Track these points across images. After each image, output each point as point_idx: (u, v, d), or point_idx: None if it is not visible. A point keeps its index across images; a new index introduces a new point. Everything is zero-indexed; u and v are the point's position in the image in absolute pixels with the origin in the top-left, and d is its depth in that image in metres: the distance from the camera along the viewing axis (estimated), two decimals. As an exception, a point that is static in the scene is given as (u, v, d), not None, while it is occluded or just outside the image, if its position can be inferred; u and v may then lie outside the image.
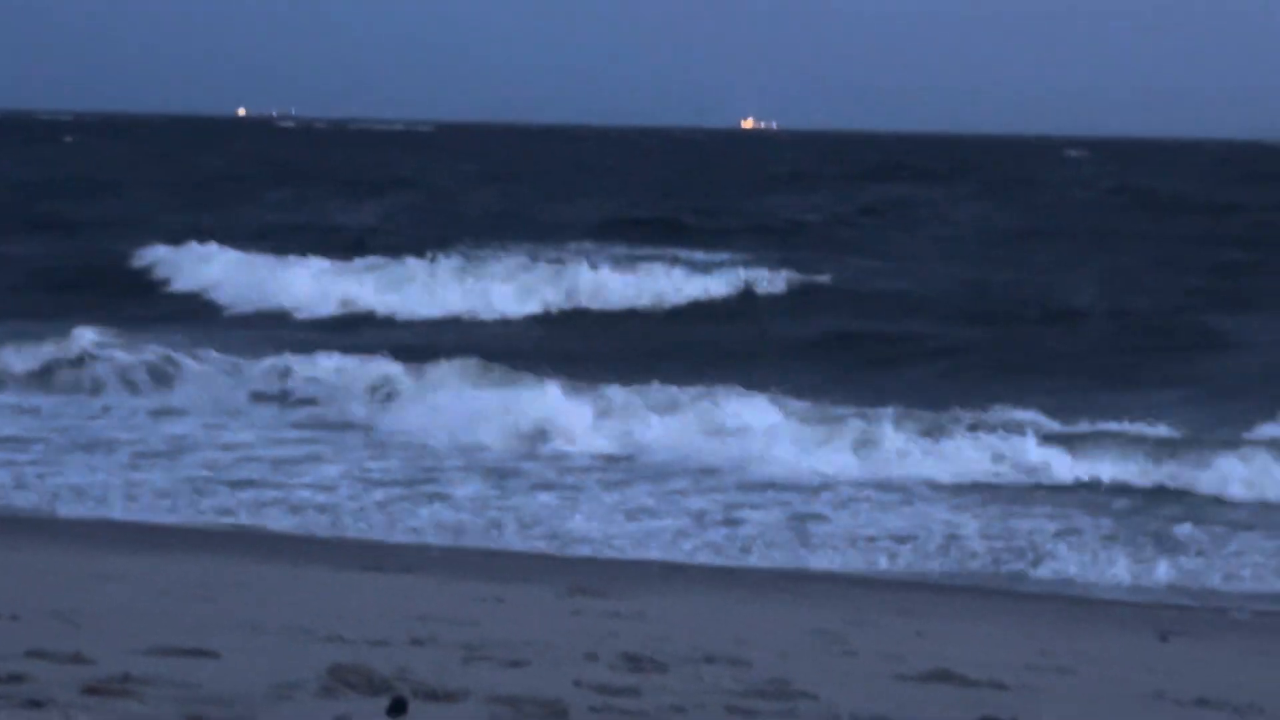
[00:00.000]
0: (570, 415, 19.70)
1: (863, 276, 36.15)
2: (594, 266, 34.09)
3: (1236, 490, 17.33)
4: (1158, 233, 46.15)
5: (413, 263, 34.39)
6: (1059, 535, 15.46)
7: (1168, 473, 17.90)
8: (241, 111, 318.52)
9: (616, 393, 20.66)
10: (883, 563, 14.47)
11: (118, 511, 15.59)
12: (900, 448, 18.55)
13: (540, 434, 19.42)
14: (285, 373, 22.94)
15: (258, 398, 22.25)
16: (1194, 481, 17.64)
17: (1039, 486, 17.68)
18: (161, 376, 22.86)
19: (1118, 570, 14.22)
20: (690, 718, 6.92)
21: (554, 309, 32.65)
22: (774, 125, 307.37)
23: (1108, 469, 17.99)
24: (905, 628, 10.79)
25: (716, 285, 33.81)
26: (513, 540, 15.03)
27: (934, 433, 19.00)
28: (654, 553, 14.61)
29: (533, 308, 32.63)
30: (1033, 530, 15.66)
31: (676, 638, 9.32)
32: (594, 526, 15.46)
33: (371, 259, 35.05)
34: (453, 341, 26.84)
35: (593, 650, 8.57)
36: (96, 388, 22.59)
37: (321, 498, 16.36)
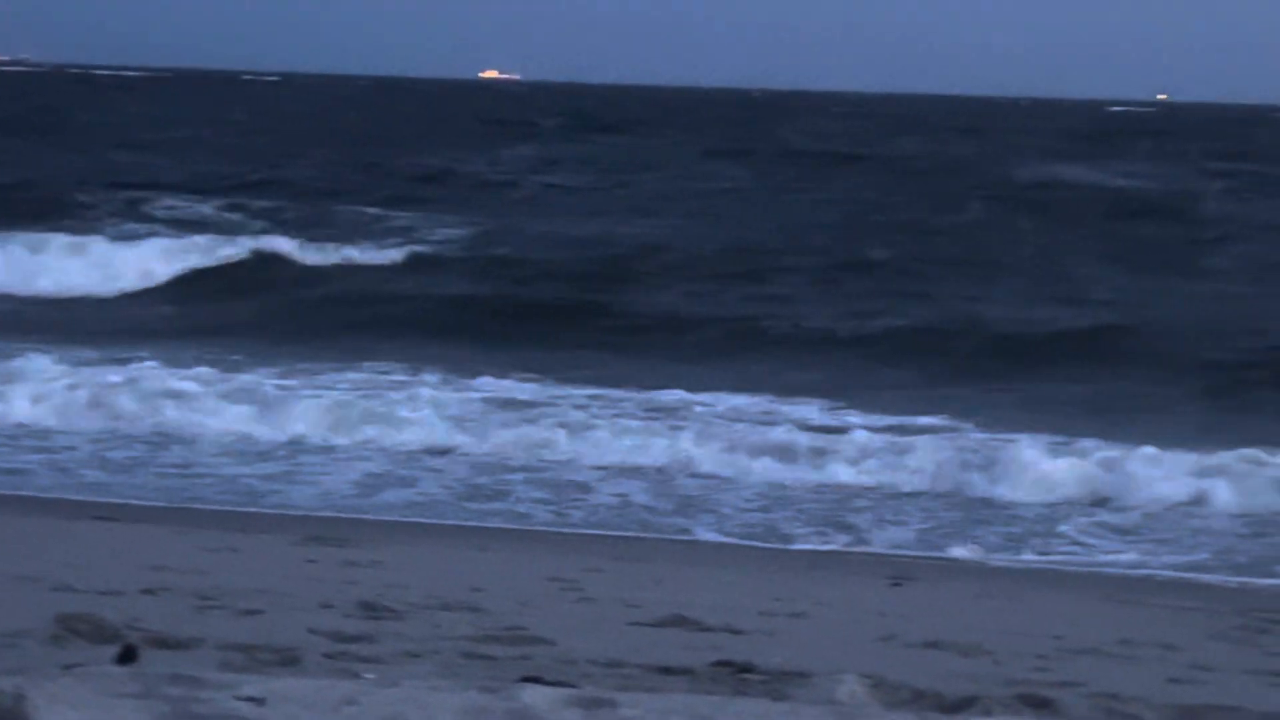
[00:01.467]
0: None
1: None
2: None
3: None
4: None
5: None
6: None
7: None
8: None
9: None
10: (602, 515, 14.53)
11: None
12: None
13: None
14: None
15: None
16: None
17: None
18: None
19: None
20: (425, 663, 6.90)
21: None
22: (518, 77, 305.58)
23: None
24: (643, 575, 10.88)
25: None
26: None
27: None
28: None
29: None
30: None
31: (413, 586, 9.30)
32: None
33: None
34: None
35: (328, 599, 8.53)
36: None
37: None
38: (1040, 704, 6.45)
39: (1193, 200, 43.08)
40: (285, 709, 4.58)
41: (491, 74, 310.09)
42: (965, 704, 6.18)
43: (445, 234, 35.26)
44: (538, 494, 15.19)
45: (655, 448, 16.72)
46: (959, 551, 13.29)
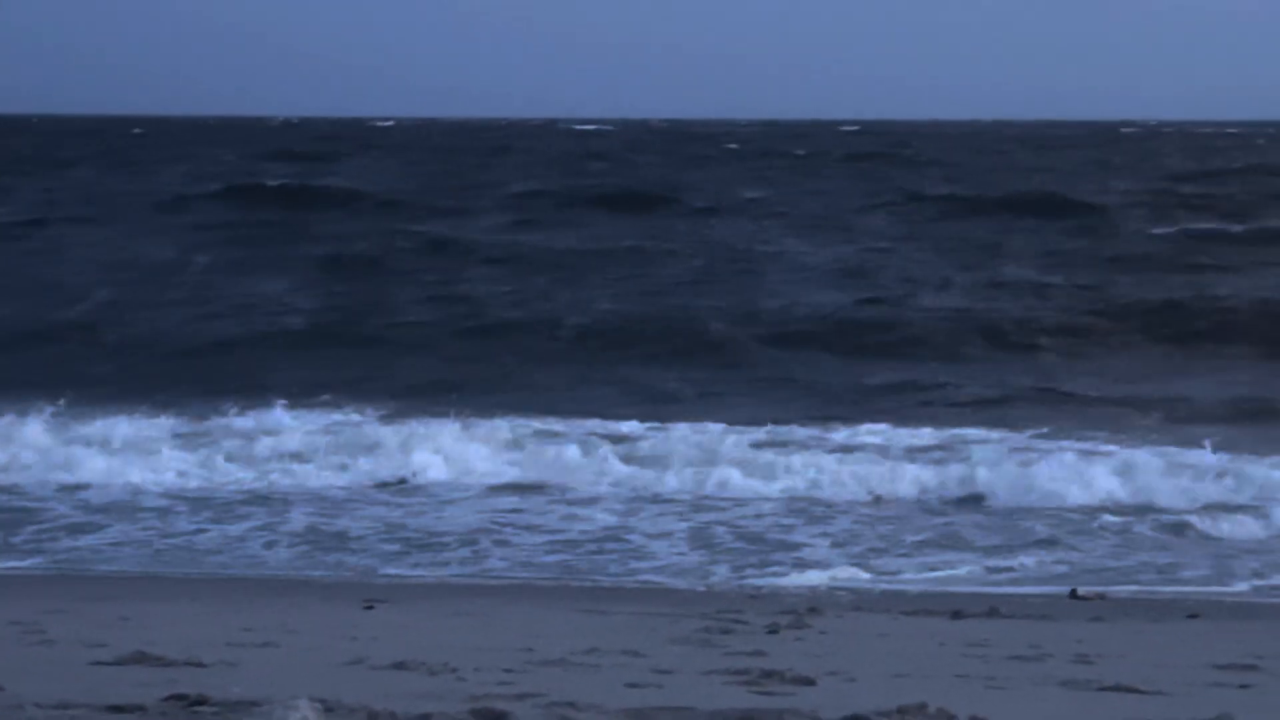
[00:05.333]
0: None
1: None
2: None
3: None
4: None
5: None
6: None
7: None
8: None
9: None
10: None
11: None
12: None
13: None
14: None
15: None
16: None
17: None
18: None
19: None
20: None
21: None
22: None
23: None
24: (108, 614, 10.60)
25: None
26: None
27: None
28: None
29: None
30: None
31: None
32: None
33: None
34: None
35: None
36: None
37: None
38: (495, 716, 6.51)
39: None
40: None
41: None
42: (420, 721, 6.19)
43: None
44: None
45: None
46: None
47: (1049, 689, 8.28)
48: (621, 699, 7.27)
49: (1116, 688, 8.21)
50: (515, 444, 18.33)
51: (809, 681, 8.15)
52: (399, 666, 8.51)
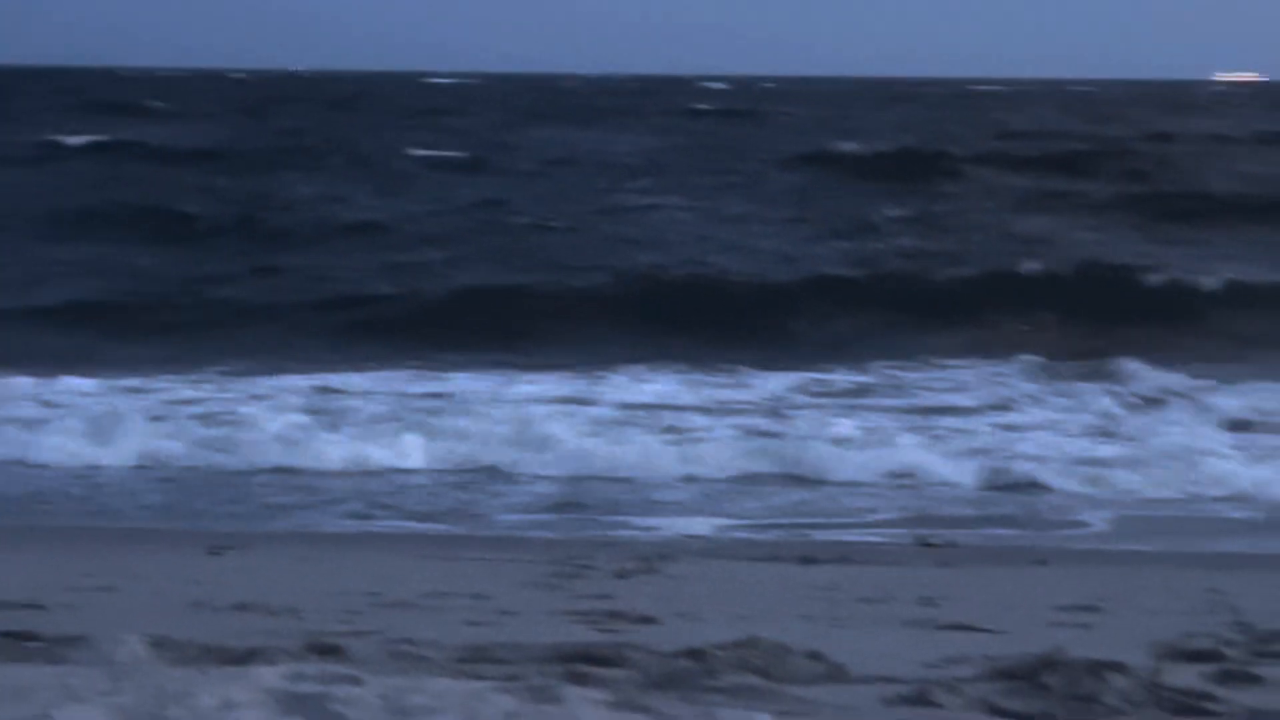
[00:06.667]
0: None
1: None
2: None
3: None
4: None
5: None
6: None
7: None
8: None
9: None
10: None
11: None
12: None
13: None
14: None
15: None
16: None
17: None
18: None
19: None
20: None
21: None
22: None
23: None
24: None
25: None
26: None
27: None
28: None
29: None
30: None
31: None
32: None
33: None
34: None
35: None
36: None
37: None
38: (328, 650, 6.46)
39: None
40: None
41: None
42: (250, 655, 6.13)
43: None
44: None
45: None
46: None
47: (890, 627, 8.33)
48: (460, 636, 7.24)
49: (956, 626, 8.28)
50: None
51: (652, 620, 8.16)
52: (240, 608, 8.45)
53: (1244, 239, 33.32)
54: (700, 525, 13.51)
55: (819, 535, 13.17)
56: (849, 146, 49.89)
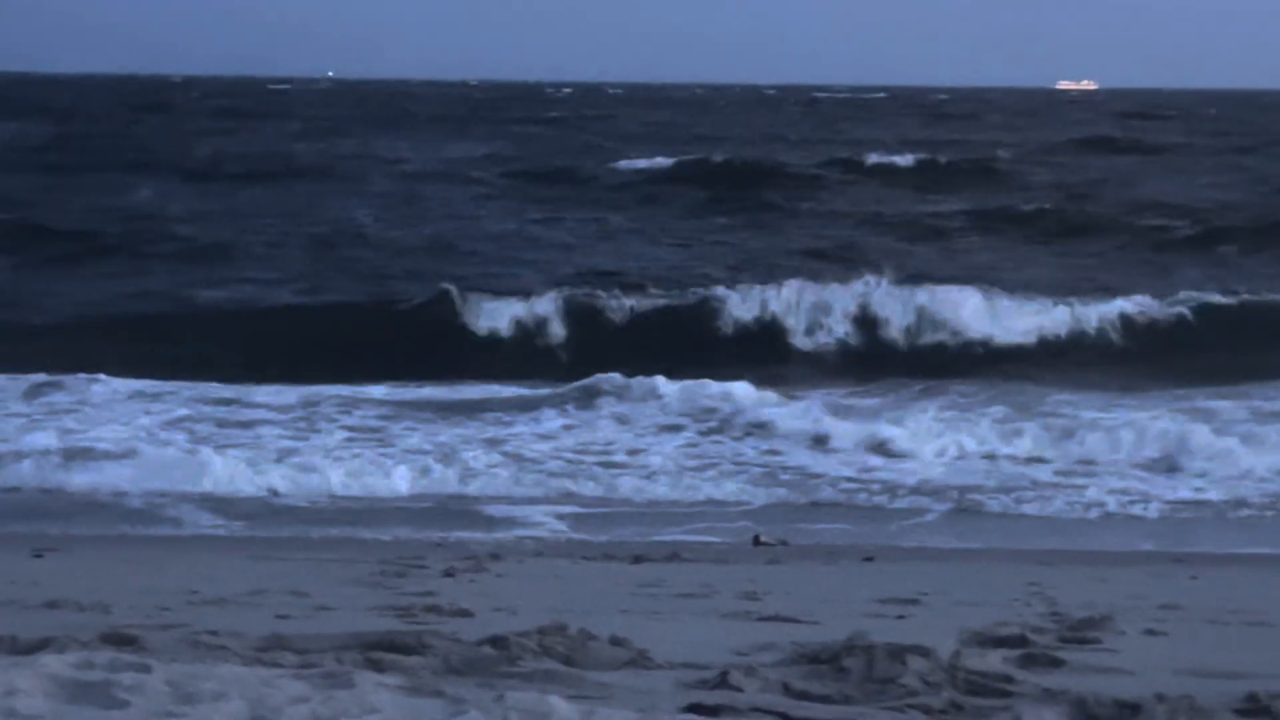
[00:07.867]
0: None
1: None
2: None
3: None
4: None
5: None
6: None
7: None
8: None
9: None
10: None
11: None
12: None
13: None
14: None
15: None
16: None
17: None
18: None
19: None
20: None
21: None
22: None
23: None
24: None
25: None
26: None
27: None
28: None
29: None
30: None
31: None
32: None
33: None
34: None
35: None
36: None
37: None
38: (124, 641, 6.37)
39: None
40: None
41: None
42: (40, 645, 6.03)
43: None
44: None
45: None
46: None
47: (707, 619, 8.32)
48: (266, 629, 7.15)
49: (774, 618, 8.28)
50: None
51: (467, 614, 8.11)
52: (50, 605, 8.32)
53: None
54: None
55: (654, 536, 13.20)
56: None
